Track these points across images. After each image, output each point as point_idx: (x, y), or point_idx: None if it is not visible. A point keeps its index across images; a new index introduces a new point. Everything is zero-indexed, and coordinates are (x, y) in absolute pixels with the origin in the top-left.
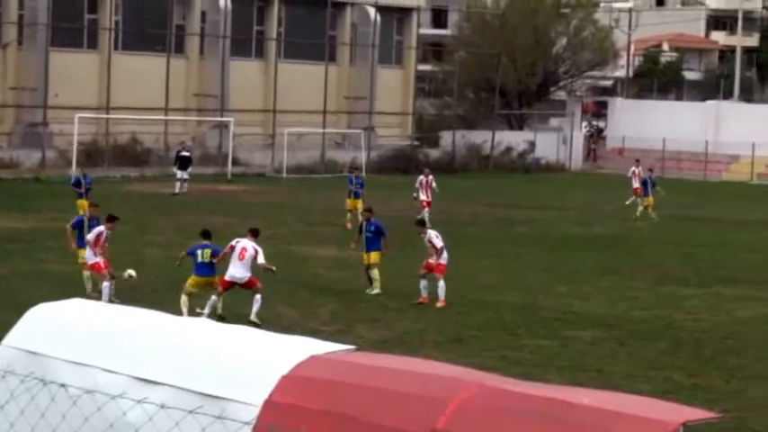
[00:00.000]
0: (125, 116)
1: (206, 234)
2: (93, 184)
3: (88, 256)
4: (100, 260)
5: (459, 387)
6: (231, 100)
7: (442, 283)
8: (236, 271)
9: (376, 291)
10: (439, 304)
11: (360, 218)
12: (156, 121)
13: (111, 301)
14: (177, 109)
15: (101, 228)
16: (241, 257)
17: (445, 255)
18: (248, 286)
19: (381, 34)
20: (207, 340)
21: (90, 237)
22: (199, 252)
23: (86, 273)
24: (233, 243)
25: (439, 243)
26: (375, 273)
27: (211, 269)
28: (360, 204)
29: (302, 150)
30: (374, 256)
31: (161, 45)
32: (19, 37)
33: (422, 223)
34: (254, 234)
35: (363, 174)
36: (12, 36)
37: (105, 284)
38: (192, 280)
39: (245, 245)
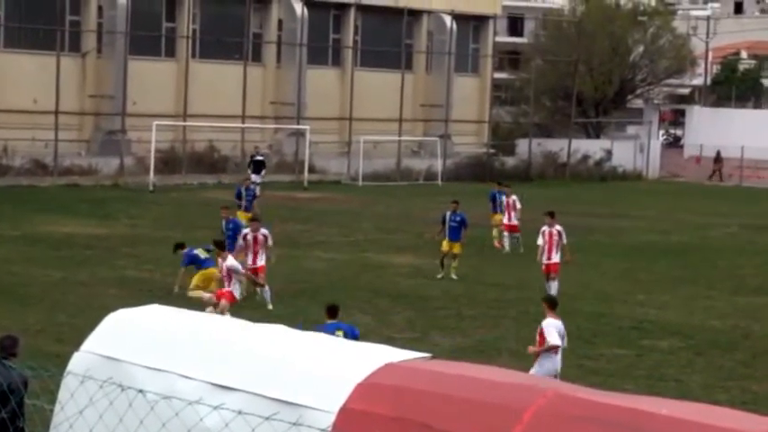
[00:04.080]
0: (202, 123)
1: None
2: (255, 197)
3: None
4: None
5: (536, 396)
6: (308, 108)
7: (556, 284)
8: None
9: (454, 276)
10: None
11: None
12: (232, 129)
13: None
14: (254, 117)
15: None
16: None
17: (559, 254)
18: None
19: (457, 42)
20: (283, 347)
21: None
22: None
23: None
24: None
25: (564, 239)
26: (455, 261)
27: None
28: (503, 218)
29: (378, 158)
30: (457, 247)
31: (238, 53)
32: (98, 45)
33: (551, 214)
34: (221, 248)
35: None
36: (91, 44)
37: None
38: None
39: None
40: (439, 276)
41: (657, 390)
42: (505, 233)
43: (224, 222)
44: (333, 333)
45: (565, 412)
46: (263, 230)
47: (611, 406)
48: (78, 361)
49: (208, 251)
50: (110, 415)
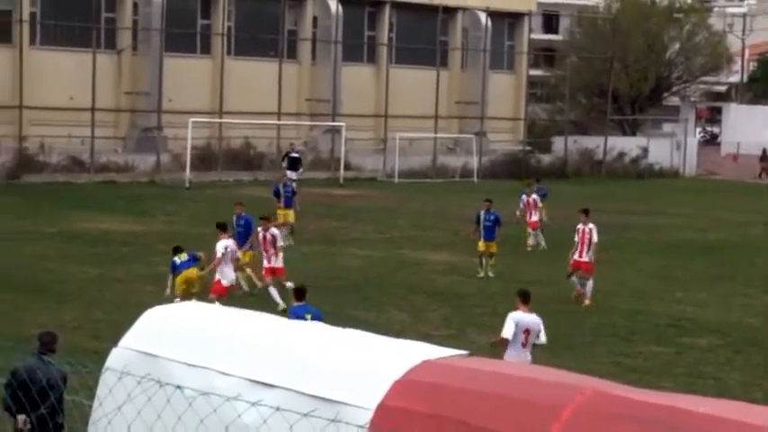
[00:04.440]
0: (238, 121)
1: (177, 249)
2: (294, 194)
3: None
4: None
5: (574, 393)
6: (343, 105)
7: (591, 282)
8: (233, 274)
9: (491, 274)
10: (585, 302)
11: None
12: (268, 126)
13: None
14: (289, 114)
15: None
16: (232, 259)
17: (591, 252)
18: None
19: (493, 39)
20: (321, 344)
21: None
22: (176, 259)
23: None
24: (223, 248)
25: (596, 237)
26: (492, 260)
27: (192, 263)
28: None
29: (414, 155)
30: (493, 246)
31: (273, 50)
32: (133, 42)
33: (586, 212)
34: (222, 230)
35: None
36: (126, 42)
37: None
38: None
39: (234, 246)
40: (480, 275)
41: (695, 387)
42: (530, 230)
43: (235, 218)
44: (302, 316)
45: (603, 410)
46: (273, 230)
47: (648, 404)
48: (116, 357)
49: (194, 258)
50: (148, 411)
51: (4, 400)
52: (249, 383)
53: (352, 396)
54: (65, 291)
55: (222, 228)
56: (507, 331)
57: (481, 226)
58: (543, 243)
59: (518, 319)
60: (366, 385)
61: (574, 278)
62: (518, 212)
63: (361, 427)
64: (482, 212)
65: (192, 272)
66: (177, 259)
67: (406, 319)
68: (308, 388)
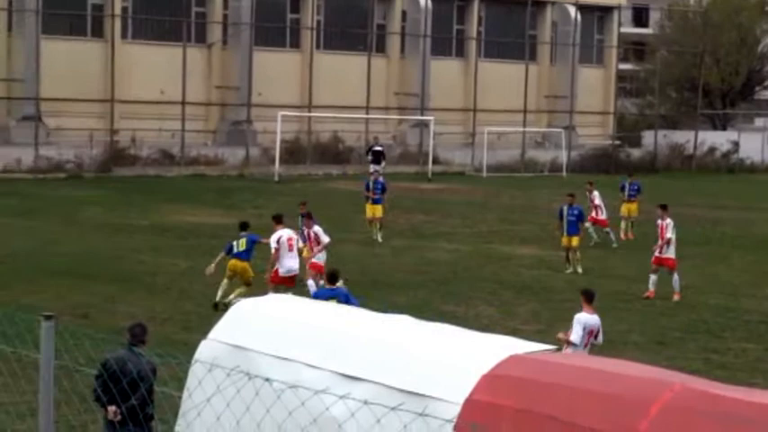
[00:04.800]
0: (327, 114)
1: (243, 225)
2: (384, 190)
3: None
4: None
5: (663, 389)
6: (431, 99)
7: (676, 277)
8: (293, 262)
9: (579, 270)
10: (675, 297)
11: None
12: (357, 120)
13: None
14: (378, 107)
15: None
16: (291, 248)
17: (673, 248)
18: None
19: (582, 33)
20: (408, 337)
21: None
22: (234, 244)
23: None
24: (276, 238)
25: (670, 233)
26: (578, 254)
27: (246, 255)
28: (634, 209)
29: (502, 149)
30: (576, 240)
31: (362, 44)
32: (223, 37)
33: (664, 207)
34: (278, 221)
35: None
36: (217, 36)
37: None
38: (230, 264)
39: (290, 234)
40: (568, 271)
41: None
42: (588, 225)
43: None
44: (326, 299)
45: (692, 406)
46: (316, 227)
47: (738, 401)
48: (206, 349)
49: (249, 251)
50: (236, 403)
51: (94, 391)
52: (337, 376)
53: (440, 390)
54: (155, 282)
55: (277, 219)
56: (576, 336)
57: (564, 221)
58: (596, 237)
59: (585, 322)
60: (454, 379)
61: (653, 276)
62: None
63: (448, 421)
64: (565, 207)
65: (240, 265)
66: (235, 245)
67: (494, 313)
68: (396, 381)
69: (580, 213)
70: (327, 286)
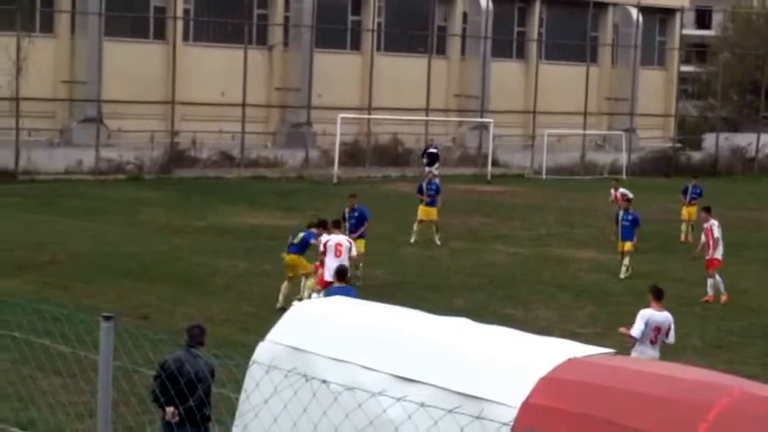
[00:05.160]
0: (386, 117)
1: (320, 224)
2: (438, 192)
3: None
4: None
5: (721, 394)
6: (491, 101)
7: (717, 278)
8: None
9: (625, 275)
10: (723, 299)
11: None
12: (416, 122)
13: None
14: (438, 110)
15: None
16: (338, 254)
17: (721, 249)
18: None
19: (644, 35)
20: (465, 339)
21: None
22: (291, 237)
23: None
24: (324, 241)
25: (716, 233)
26: (627, 260)
27: (298, 249)
28: (694, 213)
29: (562, 151)
30: (628, 245)
31: (422, 46)
32: (284, 38)
33: (708, 210)
34: (335, 226)
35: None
36: (278, 38)
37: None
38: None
39: (339, 240)
40: (621, 277)
41: None
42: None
43: (347, 210)
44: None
45: (750, 412)
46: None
47: None
48: (263, 351)
49: (305, 245)
50: (294, 405)
51: (153, 392)
52: (394, 379)
53: (498, 393)
54: (214, 284)
55: (335, 224)
56: (636, 330)
57: (619, 226)
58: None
59: (648, 317)
60: (511, 382)
61: (710, 280)
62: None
63: (505, 424)
64: (620, 212)
65: (289, 258)
66: (293, 239)
67: (553, 316)
68: (452, 384)
69: (635, 219)
70: (337, 284)
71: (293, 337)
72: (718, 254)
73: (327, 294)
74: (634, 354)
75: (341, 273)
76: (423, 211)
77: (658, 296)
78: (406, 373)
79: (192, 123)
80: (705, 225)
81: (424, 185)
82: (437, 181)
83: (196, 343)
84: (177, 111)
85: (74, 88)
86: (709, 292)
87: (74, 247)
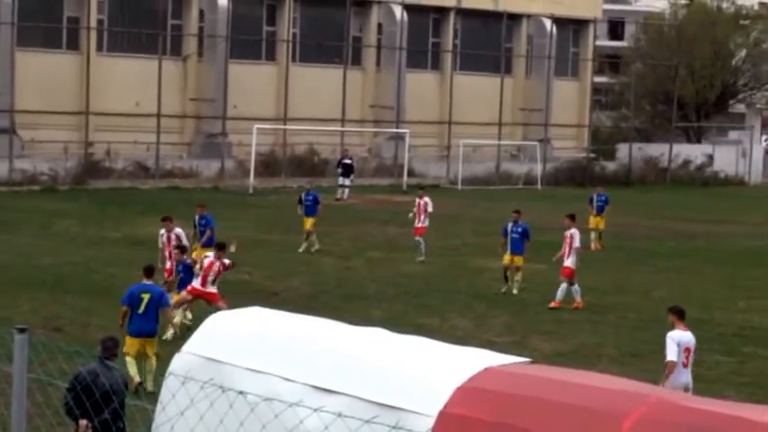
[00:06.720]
0: (302, 127)
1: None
2: (317, 202)
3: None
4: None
5: (637, 402)
6: (407, 111)
7: (576, 287)
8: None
9: (515, 291)
10: (575, 305)
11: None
12: (332, 133)
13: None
14: (354, 120)
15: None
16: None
17: (574, 258)
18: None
19: (557, 46)
20: (382, 350)
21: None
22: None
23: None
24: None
25: (576, 243)
26: (519, 276)
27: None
28: (602, 222)
29: (477, 162)
30: (518, 260)
31: (338, 57)
32: (199, 49)
33: (572, 217)
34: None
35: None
36: (192, 48)
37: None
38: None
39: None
40: (503, 291)
41: (759, 397)
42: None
43: (197, 218)
44: (138, 294)
45: (666, 419)
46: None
47: (713, 413)
48: (179, 362)
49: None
50: (210, 416)
51: (66, 405)
52: (311, 389)
53: (414, 403)
54: None
55: (221, 247)
56: (671, 353)
57: (508, 238)
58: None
59: (678, 339)
60: (428, 392)
61: (563, 284)
62: (410, 215)
63: None
64: (509, 224)
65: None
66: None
67: (469, 325)
68: (369, 394)
69: (525, 231)
70: (145, 281)
71: (209, 348)
72: (570, 262)
73: (131, 291)
74: (667, 384)
75: (148, 270)
76: (307, 224)
77: (682, 316)
78: (323, 384)
79: (107, 134)
80: (566, 232)
81: (303, 196)
82: (316, 193)
83: (110, 355)
84: (91, 121)
85: None
86: (558, 296)
87: None
